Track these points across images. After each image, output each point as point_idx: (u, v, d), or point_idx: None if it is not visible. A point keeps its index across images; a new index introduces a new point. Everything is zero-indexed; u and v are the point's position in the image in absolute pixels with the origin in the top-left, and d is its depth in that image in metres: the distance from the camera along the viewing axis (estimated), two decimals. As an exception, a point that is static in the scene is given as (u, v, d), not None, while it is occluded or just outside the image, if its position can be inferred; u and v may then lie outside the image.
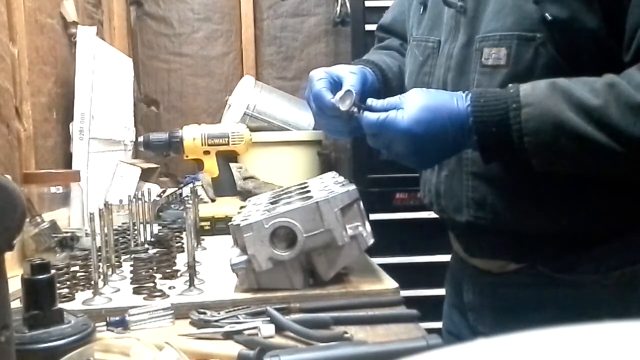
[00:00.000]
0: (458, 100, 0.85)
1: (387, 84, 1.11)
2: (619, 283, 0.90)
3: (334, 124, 0.99)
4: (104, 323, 0.85)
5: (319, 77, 0.98)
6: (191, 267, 0.99)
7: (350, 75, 0.99)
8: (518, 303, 0.96)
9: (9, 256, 0.57)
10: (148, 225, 1.36)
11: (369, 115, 0.88)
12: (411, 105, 0.86)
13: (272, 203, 1.09)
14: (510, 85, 0.84)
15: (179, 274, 1.10)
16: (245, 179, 1.95)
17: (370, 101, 0.90)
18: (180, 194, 1.98)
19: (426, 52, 1.03)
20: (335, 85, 0.98)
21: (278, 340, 0.81)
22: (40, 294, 0.71)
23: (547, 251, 0.93)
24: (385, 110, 0.87)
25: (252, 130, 1.95)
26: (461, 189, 0.95)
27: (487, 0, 0.91)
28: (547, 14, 0.83)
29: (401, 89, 1.05)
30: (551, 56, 0.84)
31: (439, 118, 0.85)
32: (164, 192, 2.04)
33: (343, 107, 0.91)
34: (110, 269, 1.09)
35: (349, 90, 0.92)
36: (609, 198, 0.89)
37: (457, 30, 0.96)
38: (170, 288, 1.01)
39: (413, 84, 1.02)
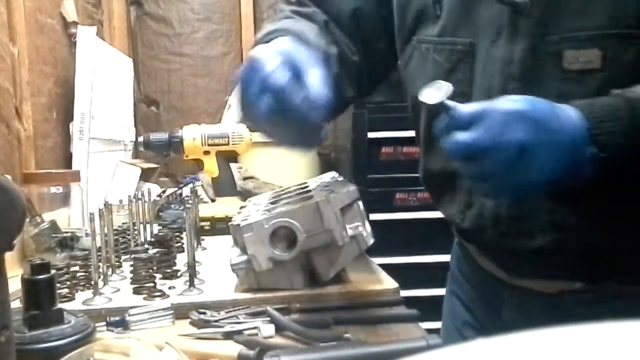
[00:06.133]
0: (565, 108, 0.70)
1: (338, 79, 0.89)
2: None
3: (293, 129, 0.77)
4: (104, 323, 0.85)
5: (276, 63, 0.74)
6: (191, 267, 0.99)
7: (314, 68, 0.75)
8: (574, 319, 0.88)
9: (9, 256, 0.57)
10: (148, 225, 1.35)
11: (460, 108, 0.70)
12: (510, 99, 0.71)
13: (272, 203, 1.09)
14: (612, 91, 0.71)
15: (179, 274, 1.10)
16: (245, 179, 1.95)
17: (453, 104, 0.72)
18: (180, 194, 1.97)
19: (453, 57, 0.86)
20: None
21: (278, 340, 0.81)
22: (40, 294, 0.71)
23: (620, 266, 0.83)
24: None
25: (252, 130, 1.95)
26: (535, 211, 0.82)
27: None
28: None
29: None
30: None
31: (551, 111, 0.69)
32: (164, 192, 2.03)
33: (432, 101, 0.71)
34: (110, 269, 1.09)
35: (444, 84, 0.73)
36: None
37: (514, 30, 0.80)
38: (170, 288, 1.01)
39: None
